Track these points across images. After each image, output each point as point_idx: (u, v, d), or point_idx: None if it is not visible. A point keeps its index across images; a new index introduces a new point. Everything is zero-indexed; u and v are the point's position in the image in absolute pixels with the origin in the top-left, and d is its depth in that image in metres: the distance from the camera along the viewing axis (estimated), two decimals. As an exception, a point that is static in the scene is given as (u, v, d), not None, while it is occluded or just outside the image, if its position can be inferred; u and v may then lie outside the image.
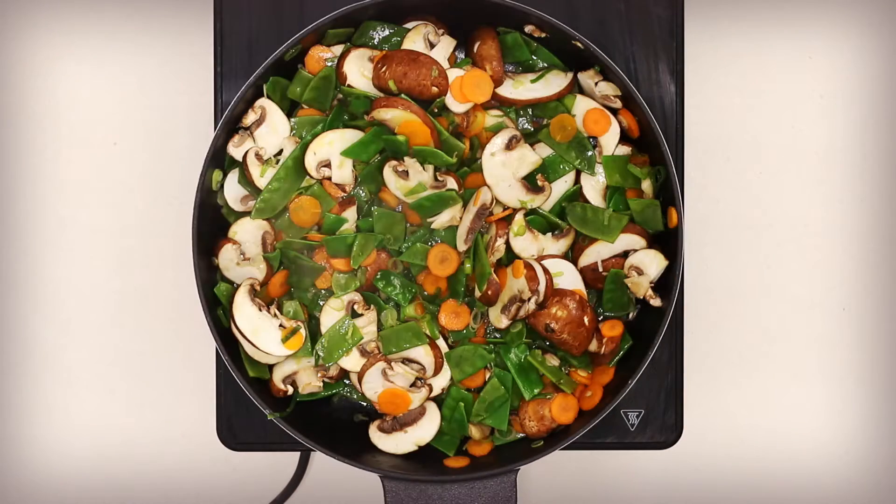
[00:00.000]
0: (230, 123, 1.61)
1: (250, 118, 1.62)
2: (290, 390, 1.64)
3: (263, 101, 1.62)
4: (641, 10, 1.69)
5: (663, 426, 1.71)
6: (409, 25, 1.64)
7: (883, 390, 1.83)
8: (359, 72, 1.62)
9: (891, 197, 1.82)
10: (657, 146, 1.58)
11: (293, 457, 1.81)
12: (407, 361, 1.61)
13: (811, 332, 1.83)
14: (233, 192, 1.64)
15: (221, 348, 1.58)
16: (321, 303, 1.65)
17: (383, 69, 1.58)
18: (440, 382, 1.64)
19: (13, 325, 1.82)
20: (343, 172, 1.61)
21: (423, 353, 1.61)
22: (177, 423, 1.82)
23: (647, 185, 1.63)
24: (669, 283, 1.59)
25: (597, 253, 1.63)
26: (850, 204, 1.83)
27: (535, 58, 1.66)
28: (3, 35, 1.82)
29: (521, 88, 1.64)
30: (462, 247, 1.61)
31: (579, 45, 1.58)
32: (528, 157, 1.61)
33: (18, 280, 1.82)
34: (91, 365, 1.82)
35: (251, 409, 1.66)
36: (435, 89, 1.58)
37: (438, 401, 1.66)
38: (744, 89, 1.81)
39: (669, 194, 1.59)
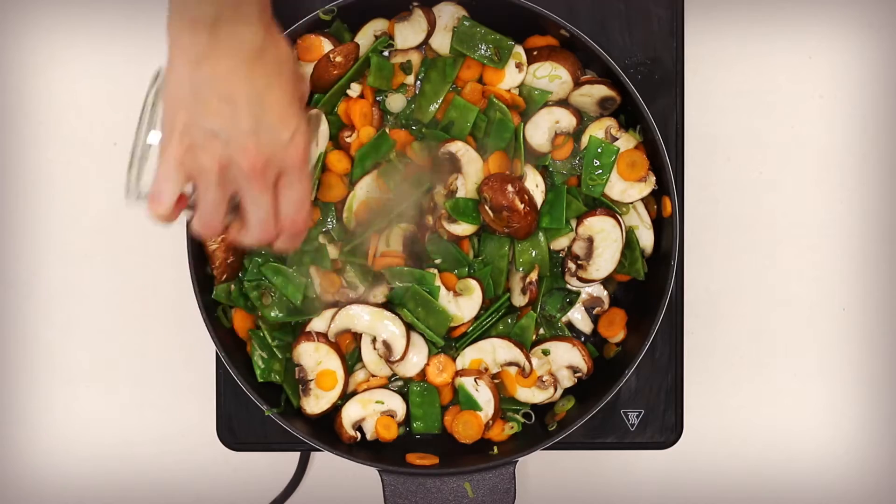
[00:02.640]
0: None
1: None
2: (359, 436, 1.64)
3: None
4: (641, 10, 1.69)
5: (663, 426, 1.71)
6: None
7: (883, 390, 1.83)
8: None
9: (891, 197, 1.82)
10: (655, 144, 1.59)
11: (293, 457, 1.81)
12: None
13: (811, 332, 1.83)
14: None
15: (221, 352, 1.58)
16: None
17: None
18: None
19: (13, 325, 1.82)
20: None
21: None
22: (177, 424, 1.82)
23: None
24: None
25: None
26: (850, 204, 1.82)
27: None
28: (3, 35, 1.81)
29: None
30: None
31: (565, 33, 1.60)
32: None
33: (18, 280, 1.82)
34: (91, 365, 1.82)
35: (251, 409, 1.66)
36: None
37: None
38: (744, 89, 1.81)
39: (664, 186, 1.61)
